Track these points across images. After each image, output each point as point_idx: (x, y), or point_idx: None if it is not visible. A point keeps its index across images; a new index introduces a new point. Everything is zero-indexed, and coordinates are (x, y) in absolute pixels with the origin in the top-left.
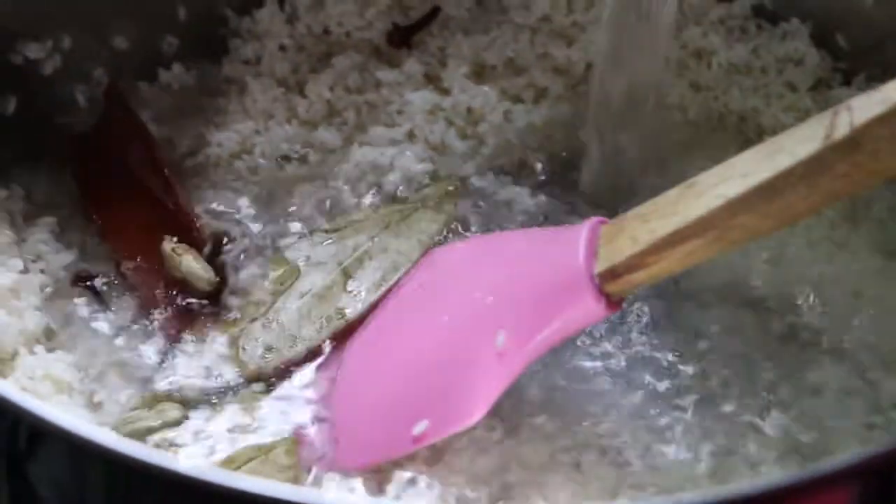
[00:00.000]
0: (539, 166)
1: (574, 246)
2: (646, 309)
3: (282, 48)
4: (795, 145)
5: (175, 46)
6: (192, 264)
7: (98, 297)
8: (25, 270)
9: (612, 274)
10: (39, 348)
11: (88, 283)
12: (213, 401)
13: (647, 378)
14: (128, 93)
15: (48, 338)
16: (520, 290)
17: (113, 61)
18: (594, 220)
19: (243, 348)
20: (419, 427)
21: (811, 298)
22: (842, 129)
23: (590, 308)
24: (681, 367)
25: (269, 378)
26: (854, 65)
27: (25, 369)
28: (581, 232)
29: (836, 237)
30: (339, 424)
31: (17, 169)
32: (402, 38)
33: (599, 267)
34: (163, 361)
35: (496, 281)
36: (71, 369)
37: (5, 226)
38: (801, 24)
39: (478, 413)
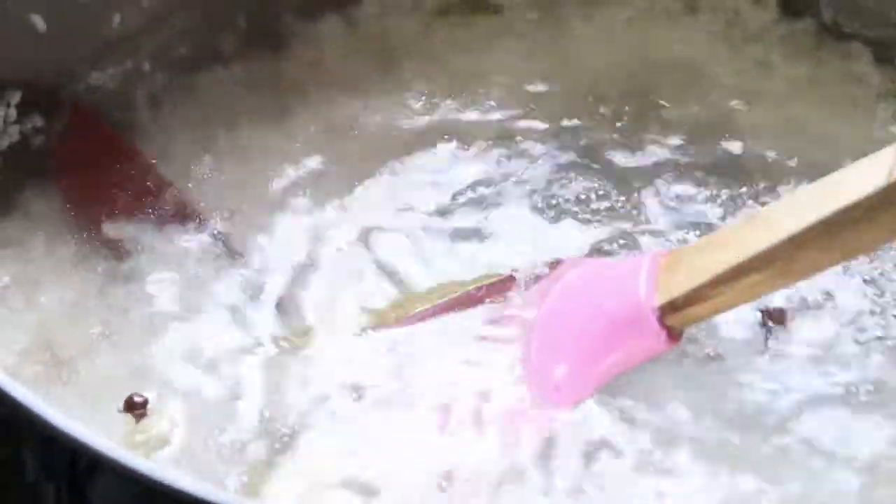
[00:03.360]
0: None
1: (634, 279)
2: None
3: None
4: (858, 181)
5: (233, 46)
6: None
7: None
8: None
9: (672, 307)
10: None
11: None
12: None
13: None
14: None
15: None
16: (579, 323)
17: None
18: (654, 252)
19: None
20: None
21: None
22: None
23: (650, 341)
24: None
25: None
26: None
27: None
28: (641, 264)
29: None
30: None
31: None
32: None
33: (659, 300)
34: None
35: (557, 313)
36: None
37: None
38: (862, 45)
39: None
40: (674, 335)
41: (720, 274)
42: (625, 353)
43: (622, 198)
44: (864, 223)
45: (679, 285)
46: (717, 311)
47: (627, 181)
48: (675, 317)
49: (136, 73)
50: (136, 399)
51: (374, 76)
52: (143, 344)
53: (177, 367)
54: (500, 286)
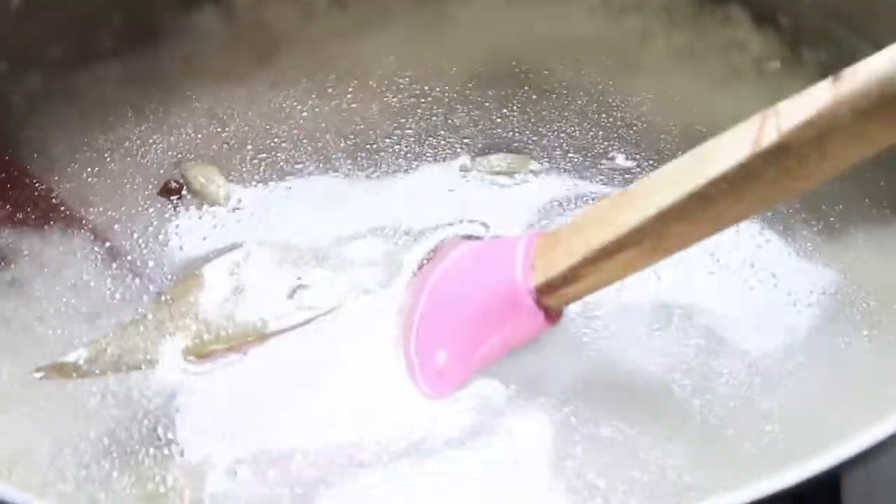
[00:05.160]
0: None
1: (511, 259)
2: None
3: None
4: (725, 152)
5: (109, 43)
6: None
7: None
8: None
9: (550, 287)
10: None
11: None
12: None
13: None
14: None
15: None
16: (458, 307)
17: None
18: (531, 232)
19: None
20: None
21: None
22: (770, 135)
23: (529, 322)
24: None
25: None
26: (797, 43)
27: None
28: (518, 245)
29: None
30: None
31: None
32: None
33: (536, 280)
34: None
35: (436, 297)
36: None
37: None
38: (741, 9)
39: None
40: (552, 315)
41: (594, 252)
42: (505, 335)
43: (514, 175)
44: (733, 195)
45: (555, 265)
46: (594, 288)
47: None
48: (553, 297)
49: (10, 76)
50: (173, 185)
51: (253, 67)
52: (32, 353)
53: None
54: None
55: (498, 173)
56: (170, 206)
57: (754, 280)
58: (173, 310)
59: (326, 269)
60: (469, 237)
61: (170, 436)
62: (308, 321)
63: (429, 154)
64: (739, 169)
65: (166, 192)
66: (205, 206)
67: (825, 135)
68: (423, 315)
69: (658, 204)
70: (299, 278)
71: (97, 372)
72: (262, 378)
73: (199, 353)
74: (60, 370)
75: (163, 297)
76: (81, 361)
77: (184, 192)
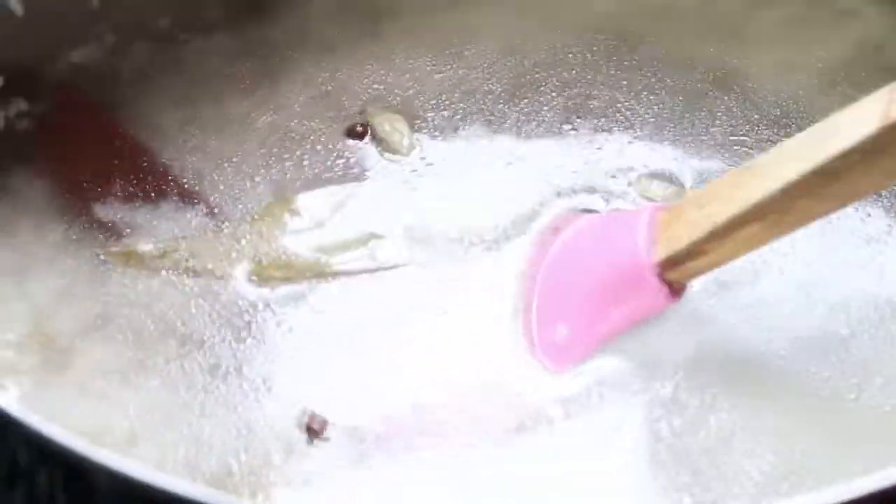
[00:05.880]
0: None
1: (633, 234)
2: None
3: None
4: (852, 126)
5: (217, 14)
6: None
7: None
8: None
9: (673, 262)
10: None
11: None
12: None
13: None
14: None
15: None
16: (579, 282)
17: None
18: (652, 207)
19: None
20: None
21: None
22: None
23: (652, 298)
24: None
25: None
26: None
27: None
28: (640, 219)
29: None
30: None
31: None
32: None
33: (660, 255)
34: None
35: (557, 271)
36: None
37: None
38: None
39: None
40: (675, 290)
41: (718, 227)
42: (627, 310)
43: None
44: (860, 169)
45: (678, 239)
46: (717, 264)
47: (628, 130)
48: (677, 271)
49: (119, 49)
50: (359, 129)
51: (360, 39)
52: (142, 326)
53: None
54: None
55: (650, 199)
56: (280, 174)
57: (880, 259)
58: (252, 228)
59: (411, 226)
60: (587, 211)
61: (229, 352)
62: (370, 271)
63: (540, 124)
64: (867, 143)
65: (351, 134)
66: (318, 164)
67: None
68: (542, 289)
69: (782, 179)
70: (378, 230)
71: (162, 268)
72: (331, 321)
73: (261, 275)
74: (127, 258)
75: (247, 216)
76: (150, 256)
77: (366, 139)
